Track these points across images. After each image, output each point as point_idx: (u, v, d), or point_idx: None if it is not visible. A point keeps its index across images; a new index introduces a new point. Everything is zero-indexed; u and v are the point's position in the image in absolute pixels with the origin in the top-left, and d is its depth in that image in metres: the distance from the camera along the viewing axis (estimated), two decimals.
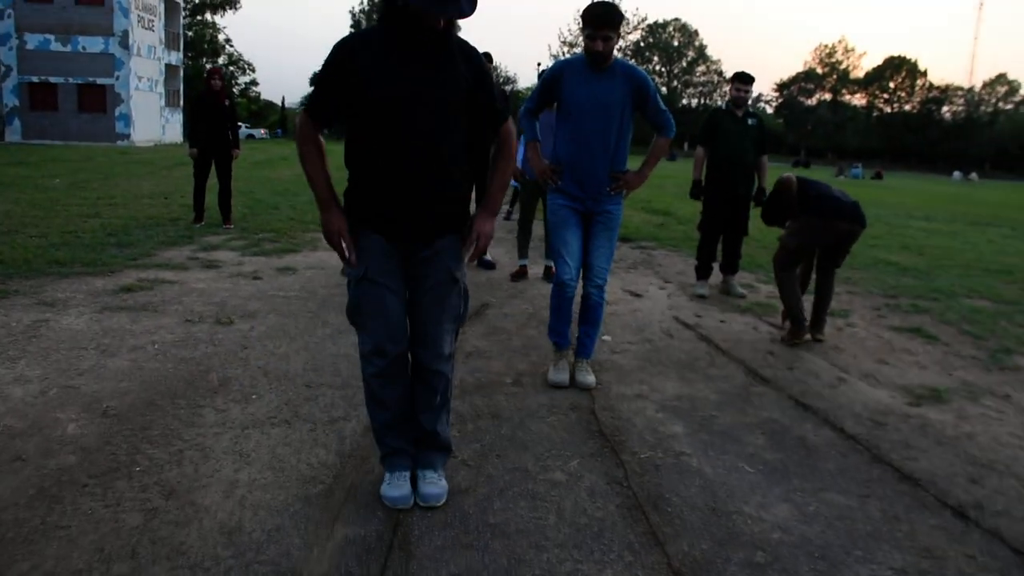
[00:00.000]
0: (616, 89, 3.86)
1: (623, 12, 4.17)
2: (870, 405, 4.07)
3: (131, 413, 3.37)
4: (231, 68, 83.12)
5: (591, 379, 4.12)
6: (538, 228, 7.09)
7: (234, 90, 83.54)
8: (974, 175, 73.11)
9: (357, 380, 3.94)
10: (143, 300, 5.38)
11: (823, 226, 5.07)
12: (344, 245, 2.54)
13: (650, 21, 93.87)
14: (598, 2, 3.75)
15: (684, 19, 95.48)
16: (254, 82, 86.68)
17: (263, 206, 11.51)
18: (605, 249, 4.12)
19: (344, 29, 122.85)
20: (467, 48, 2.53)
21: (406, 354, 2.68)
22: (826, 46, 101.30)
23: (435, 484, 2.73)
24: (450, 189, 2.55)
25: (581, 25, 3.90)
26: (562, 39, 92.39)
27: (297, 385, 3.85)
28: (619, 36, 3.89)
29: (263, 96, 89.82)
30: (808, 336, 5.27)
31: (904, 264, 9.31)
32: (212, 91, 8.94)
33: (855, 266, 8.67)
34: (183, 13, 54.05)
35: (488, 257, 7.57)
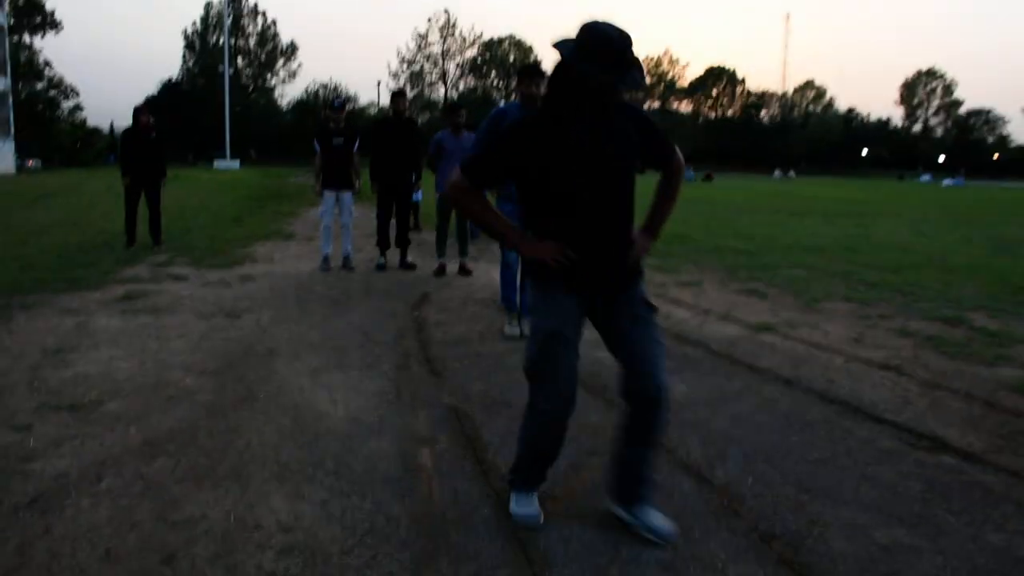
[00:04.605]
0: None
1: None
2: (727, 334, 5.87)
3: (221, 370, 4.65)
4: (52, 92, 79.37)
5: None
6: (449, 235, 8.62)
7: (58, 115, 79.83)
8: (792, 172, 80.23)
9: (370, 341, 5.37)
10: (149, 304, 6.50)
11: None
12: (558, 252, 2.60)
13: (486, 39, 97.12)
14: (529, 63, 5.38)
15: (519, 36, 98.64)
16: (78, 107, 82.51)
17: (173, 230, 12.36)
18: None
19: (177, 51, 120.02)
20: (630, 106, 2.67)
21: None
22: (652, 58, 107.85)
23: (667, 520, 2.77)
24: (630, 242, 2.71)
25: (519, 78, 5.47)
26: (400, 57, 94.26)
27: (327, 348, 5.21)
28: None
29: (89, 122, 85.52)
30: None
31: (738, 248, 11.48)
32: (141, 125, 9.93)
33: (701, 250, 10.76)
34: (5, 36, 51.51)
35: (409, 259, 9.00)
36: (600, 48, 2.39)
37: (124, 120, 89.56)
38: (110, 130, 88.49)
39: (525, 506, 2.84)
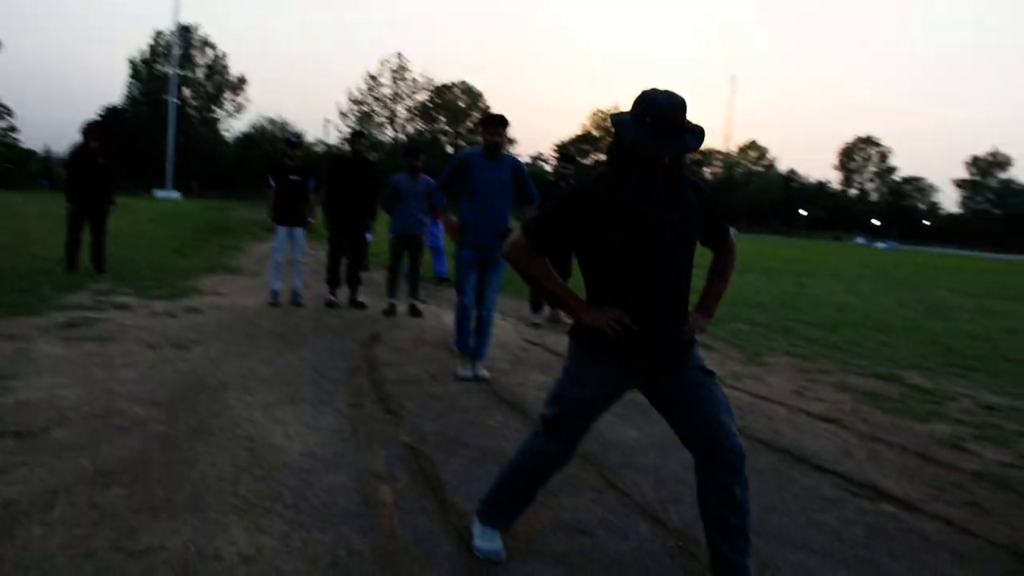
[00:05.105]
0: (505, 171, 5.60)
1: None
2: None
3: (173, 402, 4.59)
4: None
5: (487, 373, 5.76)
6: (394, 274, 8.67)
7: None
8: (734, 230, 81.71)
9: (322, 378, 5.35)
10: (93, 333, 6.36)
11: None
12: (616, 319, 2.57)
13: (437, 83, 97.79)
14: (494, 113, 5.53)
15: (469, 81, 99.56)
16: (12, 128, 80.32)
17: (115, 259, 12.12)
18: (494, 284, 5.81)
19: (119, 78, 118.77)
20: (692, 181, 2.69)
21: None
22: (601, 111, 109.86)
23: None
24: (685, 314, 2.69)
25: (482, 126, 5.62)
26: (351, 97, 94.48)
27: (279, 383, 5.18)
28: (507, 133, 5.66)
29: (24, 144, 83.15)
30: None
31: None
32: (88, 150, 9.77)
33: None
34: None
35: (359, 298, 9.00)
36: (649, 114, 2.43)
37: (59, 143, 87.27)
38: (47, 153, 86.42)
39: (490, 541, 2.87)
